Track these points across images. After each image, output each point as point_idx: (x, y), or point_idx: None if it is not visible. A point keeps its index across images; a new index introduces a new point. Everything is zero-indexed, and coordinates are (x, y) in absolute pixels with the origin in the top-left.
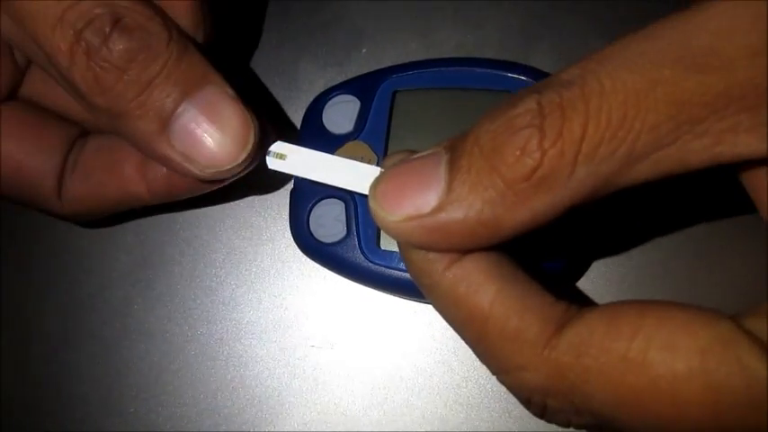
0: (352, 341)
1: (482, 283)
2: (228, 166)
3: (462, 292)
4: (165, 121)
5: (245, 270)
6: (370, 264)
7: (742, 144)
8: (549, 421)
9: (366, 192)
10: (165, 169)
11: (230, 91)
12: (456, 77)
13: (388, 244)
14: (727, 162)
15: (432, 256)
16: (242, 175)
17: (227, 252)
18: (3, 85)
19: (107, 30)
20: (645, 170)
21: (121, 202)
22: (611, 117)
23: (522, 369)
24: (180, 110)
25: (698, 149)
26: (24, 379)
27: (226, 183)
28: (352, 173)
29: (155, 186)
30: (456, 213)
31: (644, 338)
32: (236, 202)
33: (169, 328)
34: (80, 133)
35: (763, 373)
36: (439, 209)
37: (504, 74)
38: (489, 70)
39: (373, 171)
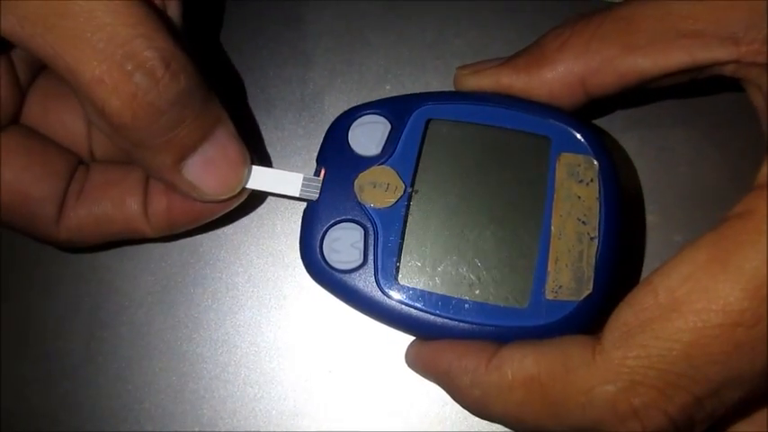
0: (369, 369)
1: (520, 356)
2: (226, 196)
3: (512, 375)
4: (184, 157)
5: (267, 294)
6: (385, 297)
7: None
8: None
9: (295, 194)
10: (165, 204)
11: (234, 130)
12: (493, 115)
13: (409, 278)
14: None
15: (465, 362)
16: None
17: (249, 276)
18: (4, 110)
19: (159, 74)
20: None
21: (120, 235)
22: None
23: (590, 392)
24: (198, 149)
25: None
26: (46, 395)
27: (220, 214)
28: (279, 180)
29: (155, 221)
30: None
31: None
32: (259, 225)
33: (189, 349)
34: (79, 161)
35: None
36: None
37: (540, 118)
38: (526, 113)
39: (297, 178)
